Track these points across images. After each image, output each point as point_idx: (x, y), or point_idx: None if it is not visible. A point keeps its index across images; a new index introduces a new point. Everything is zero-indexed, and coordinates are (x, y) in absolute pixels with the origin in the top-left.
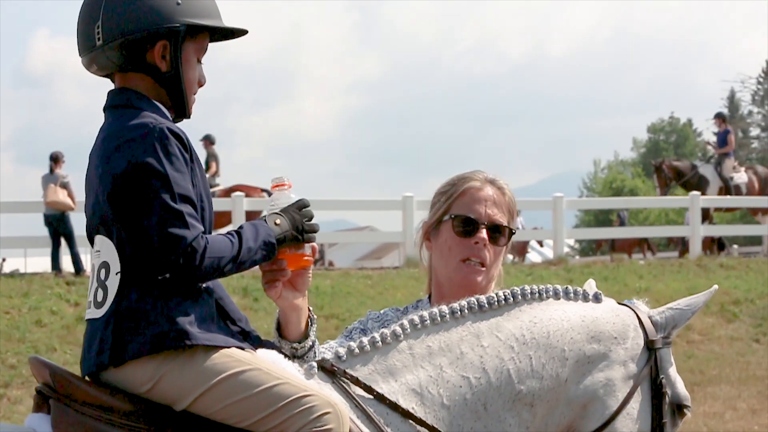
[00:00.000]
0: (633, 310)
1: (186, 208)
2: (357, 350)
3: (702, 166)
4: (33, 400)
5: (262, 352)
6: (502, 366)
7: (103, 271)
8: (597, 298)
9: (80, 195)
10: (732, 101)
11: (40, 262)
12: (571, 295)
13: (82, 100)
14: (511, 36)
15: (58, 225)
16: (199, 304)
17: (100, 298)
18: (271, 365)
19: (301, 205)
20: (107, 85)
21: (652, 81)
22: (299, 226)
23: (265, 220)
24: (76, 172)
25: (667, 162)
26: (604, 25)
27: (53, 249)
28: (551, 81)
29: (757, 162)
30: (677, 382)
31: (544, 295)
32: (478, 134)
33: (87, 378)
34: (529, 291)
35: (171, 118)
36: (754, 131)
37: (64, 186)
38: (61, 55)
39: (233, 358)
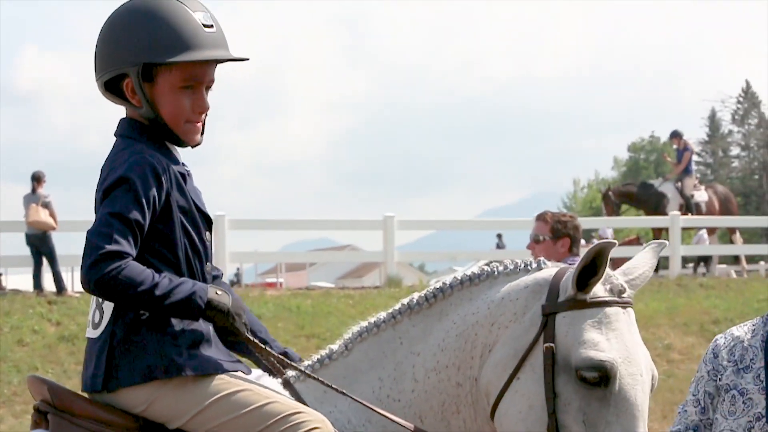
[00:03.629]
0: (554, 274)
1: (118, 225)
2: (311, 367)
3: (661, 184)
4: (31, 418)
5: (255, 374)
6: (427, 376)
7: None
8: (538, 267)
9: (62, 215)
10: (713, 120)
11: (22, 281)
12: (509, 270)
13: (68, 118)
14: (497, 56)
15: (40, 245)
16: (193, 329)
17: (96, 319)
18: (259, 386)
19: (245, 309)
20: (93, 104)
21: (633, 100)
22: (236, 313)
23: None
24: (58, 191)
25: (614, 189)
26: (589, 45)
27: (35, 268)
28: (534, 100)
29: (738, 181)
30: (581, 347)
31: (478, 279)
32: (460, 154)
33: (86, 394)
34: (463, 278)
35: (157, 146)
36: (735, 150)
37: (46, 206)
38: (48, 73)
39: (224, 380)
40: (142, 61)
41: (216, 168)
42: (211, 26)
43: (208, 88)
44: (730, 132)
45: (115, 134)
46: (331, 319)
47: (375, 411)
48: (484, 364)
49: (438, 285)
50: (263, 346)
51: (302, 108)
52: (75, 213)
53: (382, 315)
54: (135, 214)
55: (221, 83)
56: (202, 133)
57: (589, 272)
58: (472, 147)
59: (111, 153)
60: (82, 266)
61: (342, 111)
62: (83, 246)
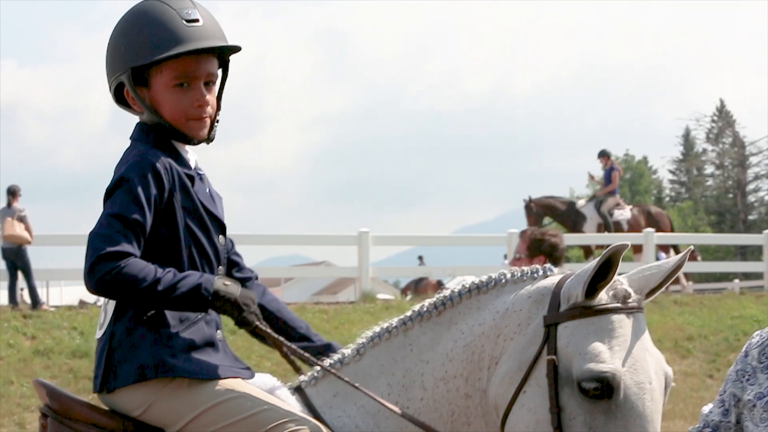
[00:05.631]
0: (556, 283)
1: (117, 226)
2: (323, 372)
3: (583, 204)
4: (39, 423)
5: (257, 379)
6: (436, 385)
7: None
8: (545, 273)
9: (37, 229)
10: (687, 139)
11: None
12: (517, 278)
13: (43, 133)
14: (474, 74)
15: (15, 258)
16: (190, 333)
17: (101, 320)
18: (257, 393)
19: (252, 293)
20: (69, 120)
21: (608, 118)
22: (243, 303)
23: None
24: (32, 204)
25: (536, 200)
26: (566, 63)
27: (10, 282)
28: (511, 118)
29: (712, 200)
30: (582, 358)
31: (486, 287)
32: (437, 170)
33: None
34: (471, 287)
35: (165, 148)
36: (709, 169)
37: (21, 219)
38: (24, 87)
39: (222, 385)
40: (130, 66)
41: None
42: (196, 20)
43: (208, 83)
44: (705, 151)
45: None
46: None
47: (387, 407)
48: (492, 376)
49: (447, 293)
50: (276, 336)
51: (279, 124)
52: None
53: (394, 321)
54: (135, 214)
55: None
56: (213, 128)
57: (599, 277)
58: (448, 164)
59: (123, 155)
60: (84, 268)
61: (318, 127)
62: (85, 249)
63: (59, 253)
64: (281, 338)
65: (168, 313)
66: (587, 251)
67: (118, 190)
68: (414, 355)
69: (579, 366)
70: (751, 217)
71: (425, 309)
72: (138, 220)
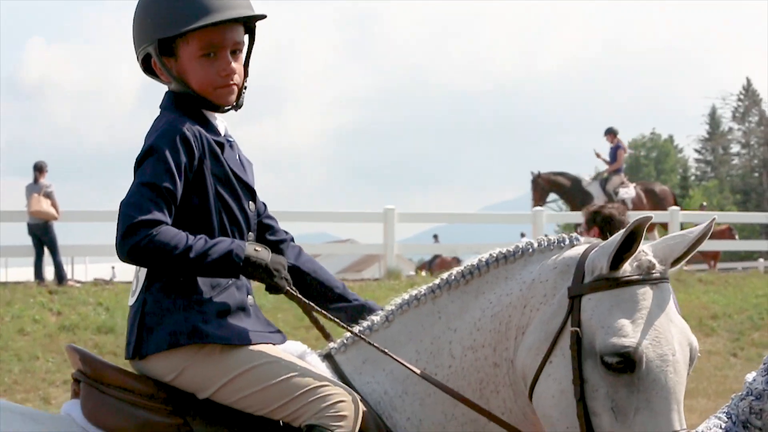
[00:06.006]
0: (581, 253)
1: (148, 194)
2: (352, 339)
3: (588, 182)
4: (71, 388)
5: (287, 346)
6: (464, 354)
7: None
8: (572, 243)
9: (63, 205)
10: (713, 118)
11: (23, 272)
12: (544, 247)
13: (70, 112)
14: (499, 54)
15: (41, 234)
16: (222, 299)
17: (134, 287)
18: (289, 358)
19: (283, 258)
20: (95, 98)
21: (634, 97)
22: (274, 269)
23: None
24: (59, 182)
25: (544, 175)
26: (591, 43)
27: (36, 258)
28: (536, 98)
29: (738, 179)
30: (605, 332)
31: (513, 257)
32: (461, 150)
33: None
34: (498, 256)
35: (193, 116)
36: (735, 148)
37: (48, 195)
38: (52, 66)
39: (254, 351)
40: (157, 38)
41: None
42: None
43: (237, 51)
44: (731, 129)
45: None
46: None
47: (414, 372)
48: (519, 346)
49: (474, 262)
50: (307, 301)
51: (305, 104)
52: (77, 204)
53: (423, 289)
54: (165, 182)
55: None
56: (240, 95)
57: (623, 249)
58: (472, 144)
59: (151, 125)
60: (116, 237)
61: (344, 107)
62: (117, 219)
63: (85, 229)
64: (311, 303)
65: (199, 280)
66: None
67: (149, 158)
68: (442, 323)
69: (602, 339)
70: None
71: (453, 278)
72: (169, 188)
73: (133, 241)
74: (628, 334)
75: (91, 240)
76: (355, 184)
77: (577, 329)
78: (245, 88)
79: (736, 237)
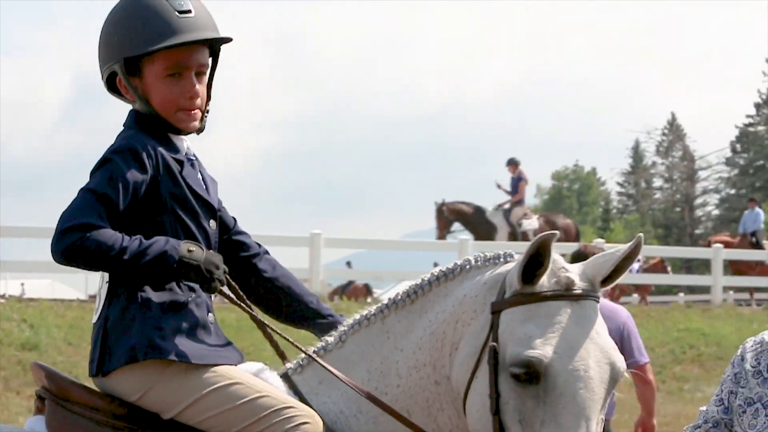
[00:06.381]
0: (510, 269)
1: (88, 200)
2: (307, 360)
3: (492, 212)
4: (33, 405)
5: (246, 366)
6: (410, 373)
7: (101, 279)
8: (506, 260)
9: None
10: (636, 151)
11: None
12: (480, 263)
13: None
14: (426, 82)
15: None
16: (181, 316)
17: (97, 305)
18: (252, 379)
19: (220, 257)
20: (19, 111)
21: (557, 128)
22: (206, 269)
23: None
24: None
25: (449, 204)
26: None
27: None
28: (460, 127)
29: (660, 213)
30: (514, 343)
31: (452, 274)
32: (388, 177)
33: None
34: (439, 274)
35: (155, 135)
36: (658, 182)
37: None
38: None
39: (218, 372)
40: (122, 56)
41: None
42: (189, 11)
43: (200, 74)
44: (654, 164)
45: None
46: (256, 333)
47: (361, 393)
48: (453, 362)
49: (418, 281)
50: (243, 305)
51: (231, 126)
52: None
53: (373, 309)
54: (107, 190)
55: None
56: (203, 120)
57: (535, 265)
58: (400, 170)
59: (112, 142)
60: (52, 239)
61: (270, 130)
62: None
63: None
64: (251, 311)
65: (158, 296)
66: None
67: (99, 169)
68: (390, 342)
69: (510, 351)
70: (697, 231)
71: (399, 297)
72: (109, 196)
73: (66, 243)
74: (535, 345)
75: (10, 256)
76: (281, 207)
77: (494, 344)
78: (207, 111)
79: (669, 271)
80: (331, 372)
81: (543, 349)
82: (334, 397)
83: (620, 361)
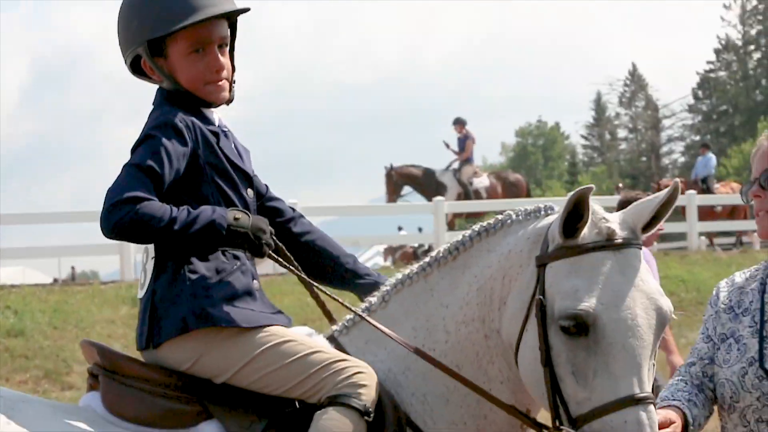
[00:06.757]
0: (551, 223)
1: (133, 174)
2: (353, 320)
3: (441, 172)
4: (87, 383)
5: (295, 329)
6: (458, 328)
7: (145, 255)
8: (546, 212)
9: None
10: (599, 104)
11: None
12: (521, 217)
13: None
14: (383, 45)
15: None
16: (228, 284)
17: (142, 280)
18: (303, 336)
19: (266, 222)
20: None
21: (519, 85)
22: (258, 234)
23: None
24: None
25: (397, 169)
26: (475, 33)
27: None
28: (420, 88)
29: (626, 163)
30: (561, 297)
31: (494, 229)
32: (349, 142)
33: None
34: (480, 229)
35: (186, 109)
36: (622, 133)
37: None
38: None
39: (267, 332)
40: (145, 39)
41: (105, 163)
42: None
43: (223, 45)
44: (618, 115)
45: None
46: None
47: (409, 349)
48: (503, 316)
49: (458, 238)
50: (292, 267)
51: None
52: None
53: (415, 267)
54: (150, 164)
55: (109, 77)
56: (231, 90)
57: (575, 218)
58: (362, 134)
59: (146, 121)
60: (101, 214)
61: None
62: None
63: None
64: (302, 274)
65: (204, 266)
66: (449, 222)
67: (141, 145)
68: (435, 299)
69: (558, 305)
70: (665, 180)
71: (441, 255)
72: (154, 168)
73: (116, 217)
74: (582, 297)
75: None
76: None
77: (541, 297)
78: (234, 81)
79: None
80: (381, 330)
81: (589, 301)
82: (381, 356)
83: (666, 305)
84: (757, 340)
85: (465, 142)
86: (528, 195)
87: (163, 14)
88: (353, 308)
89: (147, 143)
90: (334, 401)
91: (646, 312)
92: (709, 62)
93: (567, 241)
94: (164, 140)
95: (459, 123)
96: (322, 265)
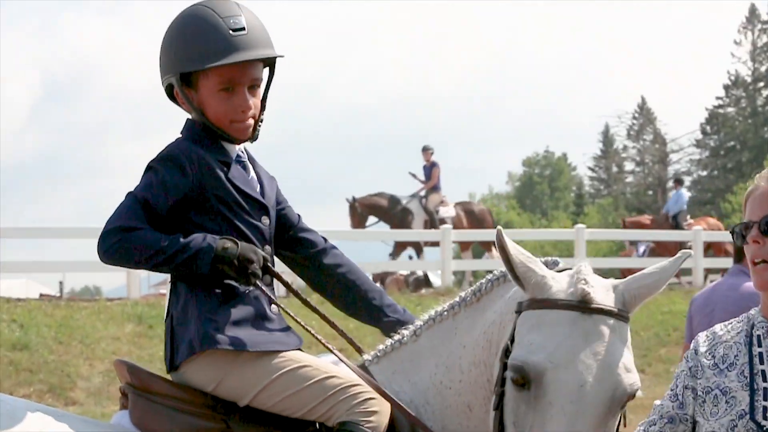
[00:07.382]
0: None
1: (129, 203)
2: (384, 351)
3: (408, 199)
4: (119, 401)
5: (324, 357)
6: (470, 369)
7: (169, 281)
8: (554, 262)
9: None
10: (606, 136)
11: None
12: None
13: None
14: (390, 71)
15: None
16: (237, 308)
17: (166, 305)
18: (319, 361)
19: (256, 251)
20: None
21: (527, 115)
22: (244, 263)
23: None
24: None
25: (360, 200)
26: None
27: None
28: (427, 115)
29: (632, 196)
30: (518, 346)
31: (503, 278)
32: (355, 166)
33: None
34: (500, 273)
35: (204, 142)
36: (629, 166)
37: None
38: None
39: (285, 358)
40: (178, 71)
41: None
42: (242, 29)
43: (253, 87)
44: (625, 147)
45: None
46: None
47: (409, 413)
48: (495, 361)
49: (484, 280)
50: (273, 297)
51: None
52: None
53: (445, 305)
54: (146, 195)
55: (117, 93)
56: (256, 129)
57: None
58: (367, 159)
59: None
60: (98, 240)
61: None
62: None
63: None
64: (309, 301)
65: (214, 290)
66: (417, 248)
67: (143, 176)
68: (457, 338)
69: (513, 353)
70: (629, 218)
71: (468, 295)
72: (148, 201)
73: (107, 244)
74: (534, 351)
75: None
76: None
77: (508, 343)
78: (261, 120)
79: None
80: (344, 362)
81: (538, 356)
82: (405, 387)
83: (627, 382)
84: (747, 392)
85: (431, 169)
86: (493, 225)
87: (197, 50)
88: (350, 339)
89: (147, 175)
90: (345, 426)
91: (599, 383)
92: (718, 98)
93: (538, 293)
94: (162, 173)
95: (426, 150)
96: (350, 299)
